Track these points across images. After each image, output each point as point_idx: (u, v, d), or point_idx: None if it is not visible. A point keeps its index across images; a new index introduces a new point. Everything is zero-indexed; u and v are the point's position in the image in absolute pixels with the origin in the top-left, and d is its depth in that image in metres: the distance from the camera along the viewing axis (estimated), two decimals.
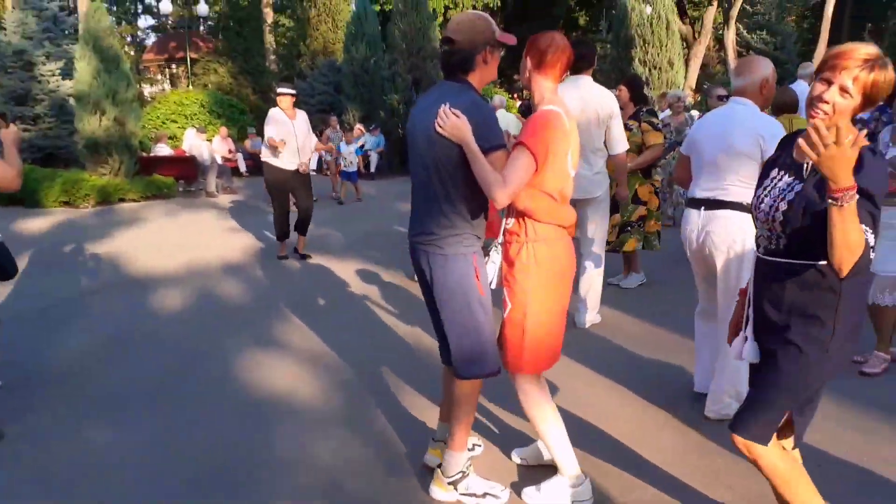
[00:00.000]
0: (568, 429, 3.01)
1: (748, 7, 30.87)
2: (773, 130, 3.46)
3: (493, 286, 2.89)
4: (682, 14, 31.15)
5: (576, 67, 4.88)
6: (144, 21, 43.89)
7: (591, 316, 5.42)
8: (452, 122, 2.64)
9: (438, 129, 2.69)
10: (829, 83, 2.09)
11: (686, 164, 3.82)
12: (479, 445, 3.47)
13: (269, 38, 28.66)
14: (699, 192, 3.68)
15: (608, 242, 6.08)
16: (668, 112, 11.27)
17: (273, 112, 8.00)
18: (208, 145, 15.80)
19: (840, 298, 2.13)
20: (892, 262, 4.15)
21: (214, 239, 9.75)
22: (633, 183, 6.16)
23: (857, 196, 1.86)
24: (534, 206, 2.71)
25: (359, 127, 17.37)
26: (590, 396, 4.10)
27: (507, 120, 11.24)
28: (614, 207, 6.09)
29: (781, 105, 6.61)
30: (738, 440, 2.29)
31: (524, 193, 2.69)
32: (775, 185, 2.25)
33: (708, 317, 3.87)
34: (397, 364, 4.69)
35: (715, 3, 28.74)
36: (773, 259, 2.23)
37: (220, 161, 15.76)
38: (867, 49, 2.07)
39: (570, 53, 2.80)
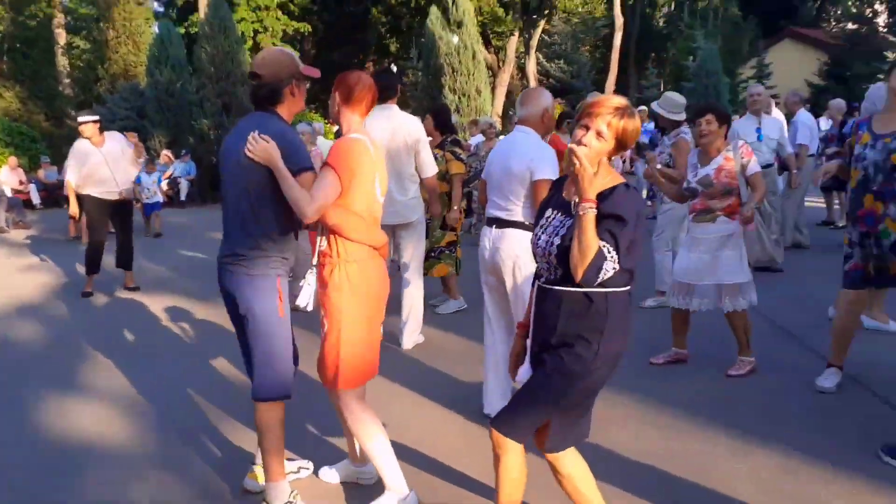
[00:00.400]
0: (396, 446, 3.08)
1: (546, 38, 33.03)
2: (542, 155, 3.79)
3: (310, 308, 3.01)
4: (487, 44, 32.73)
5: (382, 97, 5.01)
6: None
7: (414, 337, 5.55)
8: (262, 147, 2.79)
9: (248, 153, 2.82)
10: (587, 128, 2.37)
11: (484, 187, 4.09)
12: (307, 468, 3.46)
13: (63, 61, 26.71)
14: (491, 211, 3.97)
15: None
16: (480, 137, 11.82)
17: (76, 145, 7.49)
18: None
19: (606, 321, 2.36)
20: (704, 273, 4.55)
21: (6, 279, 8.91)
22: (441, 209, 6.36)
23: (596, 212, 2.23)
24: (343, 221, 2.85)
25: (166, 153, 16.56)
26: (415, 415, 4.20)
27: (326, 146, 11.26)
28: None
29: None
30: (495, 434, 2.50)
31: (333, 210, 2.84)
32: (549, 223, 2.49)
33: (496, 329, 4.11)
34: (213, 397, 4.55)
35: (517, 34, 30.50)
36: (552, 287, 2.44)
37: (9, 194, 14.43)
38: (618, 100, 2.39)
39: (375, 91, 3.04)
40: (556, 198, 2.57)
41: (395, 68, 34.74)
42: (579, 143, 2.35)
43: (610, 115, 2.35)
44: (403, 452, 3.49)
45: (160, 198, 13.03)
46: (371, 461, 3.04)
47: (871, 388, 4.33)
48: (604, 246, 2.26)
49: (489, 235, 3.95)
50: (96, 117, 7.61)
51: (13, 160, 15.99)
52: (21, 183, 15.71)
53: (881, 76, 23.34)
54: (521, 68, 33.42)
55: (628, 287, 2.41)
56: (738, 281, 4.51)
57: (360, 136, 2.95)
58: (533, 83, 30.79)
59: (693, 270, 4.59)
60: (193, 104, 18.36)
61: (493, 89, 29.37)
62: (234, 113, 17.66)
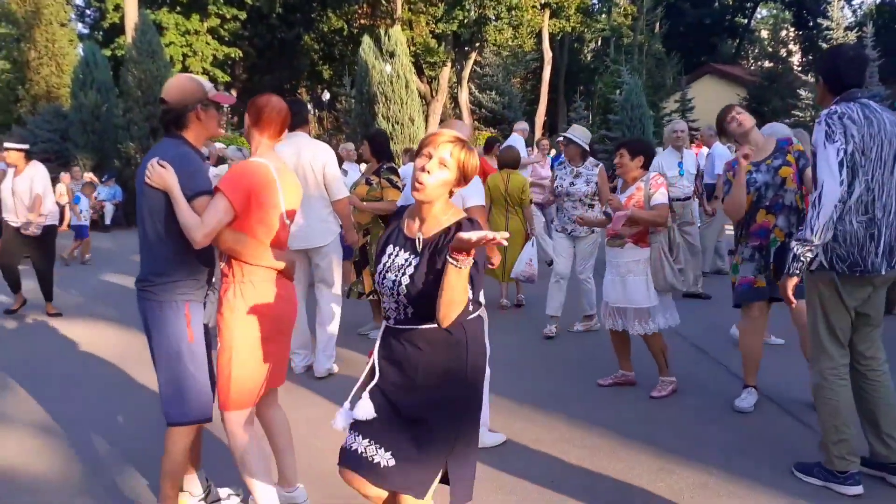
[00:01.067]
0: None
1: (478, 69, 33.57)
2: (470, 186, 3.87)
3: (211, 325, 3.02)
4: (420, 73, 33.06)
5: (291, 125, 5.01)
6: None
7: (328, 365, 5.40)
8: (158, 172, 2.83)
9: (147, 180, 2.86)
10: (430, 156, 2.29)
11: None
12: (237, 494, 3.41)
13: None
14: None
15: (363, 293, 6.29)
16: (412, 166, 11.88)
17: None
18: None
19: (467, 347, 2.34)
20: (617, 295, 4.73)
21: None
22: (377, 232, 6.36)
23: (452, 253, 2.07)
24: (236, 245, 2.87)
25: (89, 176, 16.11)
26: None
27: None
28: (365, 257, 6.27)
29: (505, 162, 7.36)
30: (406, 499, 2.34)
31: (228, 235, 2.85)
32: (393, 261, 2.37)
33: None
34: (138, 424, 4.43)
35: (449, 65, 30.92)
36: (404, 327, 2.35)
37: None
38: (456, 133, 2.35)
39: (285, 114, 3.09)
40: (395, 234, 2.46)
41: (327, 95, 34.77)
42: (423, 169, 2.27)
43: (451, 144, 2.29)
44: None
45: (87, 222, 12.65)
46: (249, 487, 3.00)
47: (784, 406, 4.52)
48: (469, 289, 2.22)
49: None
50: (25, 146, 7.47)
51: None
52: None
53: (796, 112, 24.61)
54: (455, 98, 33.84)
55: (478, 311, 2.39)
56: (645, 305, 4.65)
57: (262, 160, 2.98)
58: (465, 113, 31.23)
59: (610, 293, 4.78)
60: (120, 127, 17.96)
61: (426, 118, 29.74)
62: (161, 137, 17.31)
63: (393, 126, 19.38)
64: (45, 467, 3.89)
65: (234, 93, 37.95)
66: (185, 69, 27.85)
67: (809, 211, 3.28)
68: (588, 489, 3.49)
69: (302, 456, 3.51)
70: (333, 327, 5.44)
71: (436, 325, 2.25)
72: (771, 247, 4.27)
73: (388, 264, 2.38)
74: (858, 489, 3.37)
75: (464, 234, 2.00)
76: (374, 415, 2.34)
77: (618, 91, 22.00)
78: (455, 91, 32.94)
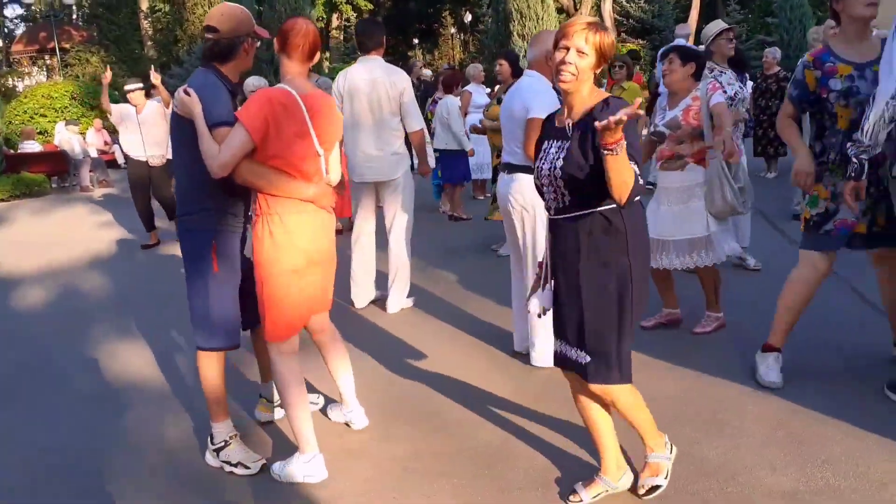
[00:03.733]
0: (431, 374, 3.17)
1: None
2: (537, 95, 3.75)
3: (250, 256, 3.03)
4: None
5: (364, 48, 4.97)
6: (12, 10, 41.28)
7: (401, 302, 5.30)
8: (183, 100, 2.86)
9: (176, 109, 2.93)
10: (567, 49, 2.37)
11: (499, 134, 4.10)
12: (316, 404, 3.66)
13: (145, 25, 27.61)
14: (504, 157, 4.00)
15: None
16: None
17: (115, 108, 7.97)
18: (80, 139, 15.22)
19: (627, 234, 2.41)
20: (679, 227, 4.22)
21: (84, 234, 9.50)
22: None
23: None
24: (255, 177, 2.83)
25: None
26: (451, 348, 4.32)
27: None
28: None
29: None
30: (596, 388, 2.51)
31: (245, 167, 2.80)
32: (548, 152, 2.50)
33: (518, 277, 4.13)
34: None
35: None
36: (565, 216, 2.46)
37: (94, 154, 15.22)
38: (588, 17, 2.41)
39: (313, 38, 2.93)
40: (548, 129, 2.60)
41: (469, 17, 34.38)
42: (563, 62, 2.37)
43: (585, 31, 2.36)
44: (439, 380, 3.64)
45: None
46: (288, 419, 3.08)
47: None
48: (633, 166, 2.24)
49: (503, 181, 3.98)
50: (140, 84, 8.06)
51: (98, 122, 16.82)
52: (106, 144, 16.51)
53: None
54: (599, 9, 32.32)
55: (639, 196, 2.35)
56: (705, 234, 4.16)
57: (284, 86, 2.89)
58: (610, 25, 29.79)
59: (664, 224, 4.22)
60: (264, 61, 18.68)
61: None
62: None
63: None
64: (160, 382, 4.32)
65: (379, 20, 38.44)
66: (329, 1, 28.43)
67: (866, 109, 2.99)
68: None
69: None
70: (404, 264, 5.25)
71: (593, 211, 2.40)
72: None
73: (543, 157, 2.52)
74: None
75: (599, 123, 2.09)
76: (540, 311, 2.61)
77: None
78: (599, 2, 31.40)
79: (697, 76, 4.20)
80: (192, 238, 3.02)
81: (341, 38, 39.76)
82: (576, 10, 29.81)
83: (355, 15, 34.81)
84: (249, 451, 3.18)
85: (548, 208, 2.56)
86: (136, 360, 4.64)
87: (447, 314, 5.12)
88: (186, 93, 2.88)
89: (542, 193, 2.57)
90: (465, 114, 8.85)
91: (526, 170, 3.83)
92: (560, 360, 2.63)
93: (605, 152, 2.15)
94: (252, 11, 18.68)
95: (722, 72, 5.02)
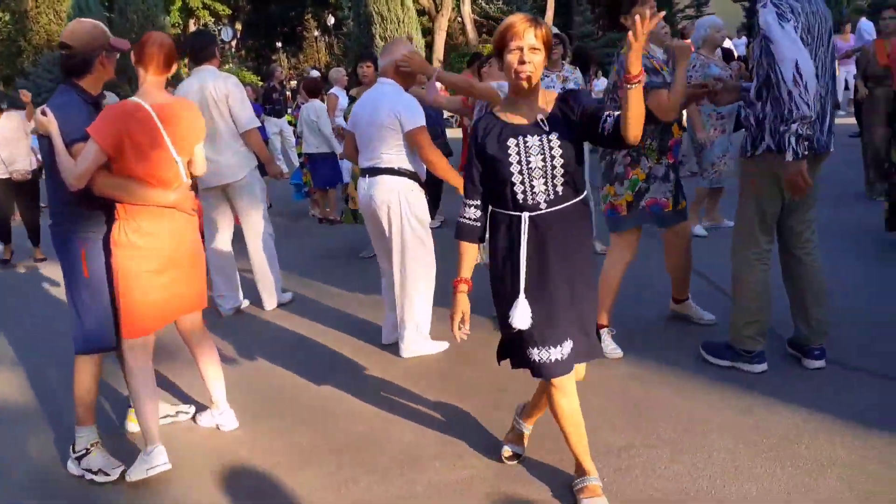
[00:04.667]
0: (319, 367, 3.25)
1: None
2: (408, 105, 3.95)
3: None
4: None
5: (197, 59, 5.04)
6: None
7: (274, 298, 5.40)
8: (40, 120, 2.97)
9: (38, 127, 3.02)
10: (521, 49, 2.39)
11: (351, 139, 4.22)
12: (186, 413, 3.70)
13: None
14: (363, 162, 4.13)
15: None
16: None
17: None
18: None
19: (590, 216, 2.64)
20: None
21: None
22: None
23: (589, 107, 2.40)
24: (112, 190, 2.98)
25: None
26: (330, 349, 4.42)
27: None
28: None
29: None
30: (581, 368, 2.68)
31: (101, 180, 2.95)
32: (526, 148, 2.47)
33: (386, 269, 4.32)
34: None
35: None
36: (553, 209, 2.48)
37: None
38: (522, 14, 2.47)
39: (168, 49, 3.10)
40: (503, 128, 2.52)
41: (332, 20, 34.23)
42: (521, 62, 2.38)
43: (530, 27, 2.39)
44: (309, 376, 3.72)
45: None
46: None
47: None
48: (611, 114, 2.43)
49: (364, 185, 4.12)
50: None
51: None
52: None
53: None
54: (459, 10, 33.01)
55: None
56: None
57: (136, 98, 3.04)
58: (469, 25, 30.53)
59: None
60: (117, 71, 17.99)
61: (433, 34, 29.15)
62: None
63: None
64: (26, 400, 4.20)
65: (238, 26, 37.60)
66: (184, 5, 27.60)
67: (787, 93, 3.11)
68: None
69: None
70: (264, 263, 5.34)
71: (579, 200, 2.52)
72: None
73: (521, 152, 2.47)
74: (764, 366, 3.53)
75: (637, 20, 2.26)
76: (531, 322, 2.45)
77: None
78: (459, 3, 32.08)
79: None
80: (63, 246, 3.12)
81: None
82: (437, 11, 30.32)
83: (213, 20, 33.92)
84: (110, 458, 3.21)
85: (533, 204, 2.48)
86: None
87: (318, 313, 5.22)
88: (44, 113, 2.97)
89: (519, 192, 2.48)
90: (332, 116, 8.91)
91: (389, 171, 4.01)
92: (555, 367, 2.50)
93: (628, 87, 2.30)
94: (102, 19, 18.08)
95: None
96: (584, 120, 2.45)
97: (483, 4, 32.43)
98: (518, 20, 2.41)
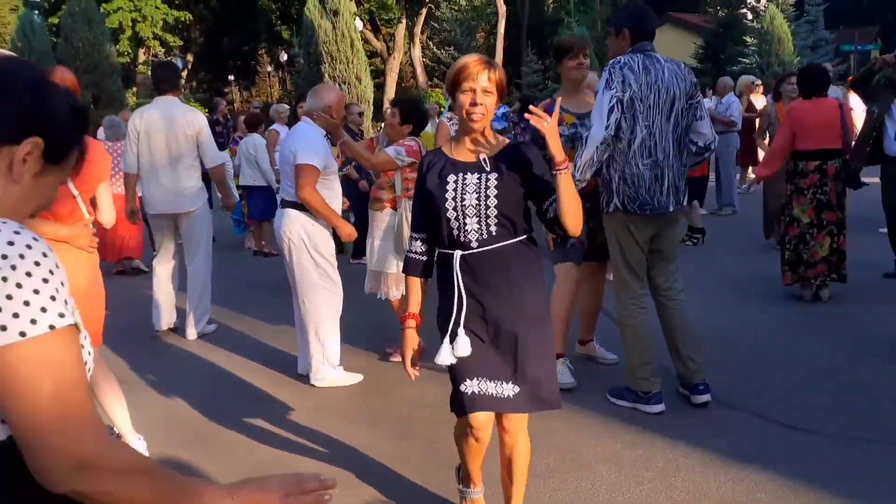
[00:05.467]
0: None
1: (437, 25, 33.38)
2: (305, 142, 4.13)
3: None
4: (377, 31, 32.85)
5: (160, 89, 5.24)
6: None
7: (200, 326, 5.48)
8: None
9: None
10: (473, 90, 2.39)
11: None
12: None
13: None
14: (281, 193, 4.35)
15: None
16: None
17: None
18: None
19: (538, 256, 2.56)
20: None
21: None
22: None
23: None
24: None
25: None
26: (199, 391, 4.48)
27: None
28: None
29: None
30: (522, 420, 2.56)
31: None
32: (463, 186, 2.46)
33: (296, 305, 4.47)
34: None
35: (404, 21, 30.71)
36: (488, 248, 2.44)
37: None
38: (476, 55, 2.47)
39: (68, 86, 3.10)
40: (445, 164, 2.54)
41: (285, 56, 34.49)
42: (474, 103, 2.39)
43: (485, 69, 2.39)
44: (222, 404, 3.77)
45: None
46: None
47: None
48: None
49: (277, 215, 4.32)
50: None
51: None
52: None
53: (742, 59, 24.82)
54: (410, 55, 33.68)
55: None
56: None
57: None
58: (419, 69, 31.17)
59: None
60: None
61: (384, 75, 29.61)
62: (102, 105, 17.24)
63: (340, 86, 19.38)
64: None
65: (189, 57, 37.53)
66: (134, 35, 27.53)
67: (577, 150, 3.59)
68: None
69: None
70: (198, 292, 5.44)
71: (518, 240, 2.46)
72: None
73: (458, 189, 2.46)
74: (660, 407, 3.73)
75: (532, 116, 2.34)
76: (470, 350, 2.42)
77: None
78: (410, 48, 32.75)
79: (415, 133, 4.57)
80: None
81: (148, 73, 38.39)
82: (389, 54, 30.86)
83: (164, 51, 33.85)
84: None
85: (465, 242, 2.46)
86: None
87: (240, 344, 5.29)
88: None
89: (454, 228, 2.46)
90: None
91: (293, 205, 4.18)
92: (483, 401, 2.45)
93: (557, 172, 2.33)
94: (46, 46, 17.89)
95: None
96: (529, 190, 2.46)
97: (434, 49, 33.19)
98: (472, 61, 2.41)
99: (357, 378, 4.36)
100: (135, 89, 30.28)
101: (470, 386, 2.43)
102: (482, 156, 2.48)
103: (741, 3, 34.71)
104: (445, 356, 2.44)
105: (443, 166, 2.54)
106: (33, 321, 1.01)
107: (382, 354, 4.82)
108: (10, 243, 1.04)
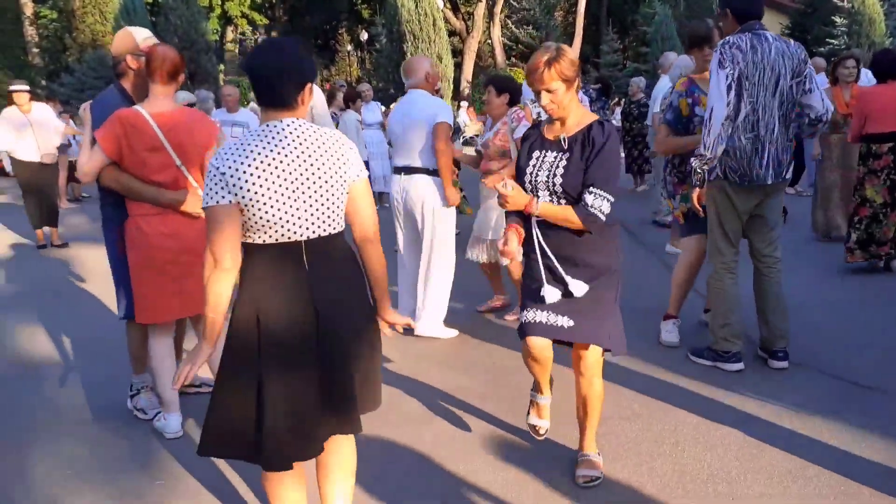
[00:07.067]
0: None
1: (516, 4, 33.33)
2: (441, 105, 4.56)
3: None
4: (456, 10, 33.05)
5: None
6: None
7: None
8: (81, 116, 3.42)
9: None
10: (539, 92, 2.72)
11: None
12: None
13: (31, 31, 26.83)
14: (397, 162, 4.73)
15: None
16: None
17: (4, 112, 8.25)
18: None
19: (611, 226, 2.79)
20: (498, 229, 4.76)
21: None
22: None
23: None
24: (115, 186, 3.29)
25: None
26: None
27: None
28: None
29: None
30: (593, 365, 2.84)
31: (107, 176, 3.27)
32: (542, 161, 2.79)
33: (410, 260, 4.87)
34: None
35: (483, 1, 30.79)
36: None
37: None
38: (542, 55, 2.70)
39: (170, 63, 3.27)
40: (536, 140, 2.87)
41: (365, 35, 35.08)
42: (547, 104, 2.71)
43: (544, 70, 2.65)
44: None
45: None
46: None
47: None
48: (593, 194, 2.66)
49: (399, 182, 4.69)
50: (26, 87, 8.42)
51: None
52: None
53: (830, 39, 24.04)
54: (490, 34, 33.73)
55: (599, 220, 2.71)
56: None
57: (137, 107, 3.27)
58: (498, 49, 31.21)
59: (488, 225, 4.93)
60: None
61: (462, 54, 29.84)
62: (198, 81, 18.11)
63: None
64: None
65: (274, 34, 38.53)
66: (223, 14, 28.48)
67: (703, 130, 3.76)
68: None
69: None
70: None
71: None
72: None
73: (537, 165, 2.80)
74: (739, 366, 3.97)
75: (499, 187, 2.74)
76: (559, 297, 2.74)
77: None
78: (490, 27, 32.81)
79: (512, 102, 4.86)
80: (105, 227, 3.52)
81: (236, 50, 39.66)
82: (468, 33, 31.03)
83: (251, 28, 34.86)
84: (153, 400, 3.69)
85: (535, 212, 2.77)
86: (43, 346, 5.01)
87: None
88: (84, 108, 3.41)
89: (535, 194, 2.79)
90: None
91: (422, 171, 4.57)
92: (536, 328, 2.78)
93: (530, 215, 2.74)
94: (147, 24, 18.84)
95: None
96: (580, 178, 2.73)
97: (513, 29, 33.18)
98: (533, 66, 2.70)
99: (453, 332, 4.75)
100: (223, 67, 31.37)
101: (528, 315, 2.81)
102: (563, 135, 2.77)
103: None
104: (549, 295, 2.74)
105: (534, 141, 2.88)
106: (361, 170, 2.32)
107: (474, 313, 5.22)
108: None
